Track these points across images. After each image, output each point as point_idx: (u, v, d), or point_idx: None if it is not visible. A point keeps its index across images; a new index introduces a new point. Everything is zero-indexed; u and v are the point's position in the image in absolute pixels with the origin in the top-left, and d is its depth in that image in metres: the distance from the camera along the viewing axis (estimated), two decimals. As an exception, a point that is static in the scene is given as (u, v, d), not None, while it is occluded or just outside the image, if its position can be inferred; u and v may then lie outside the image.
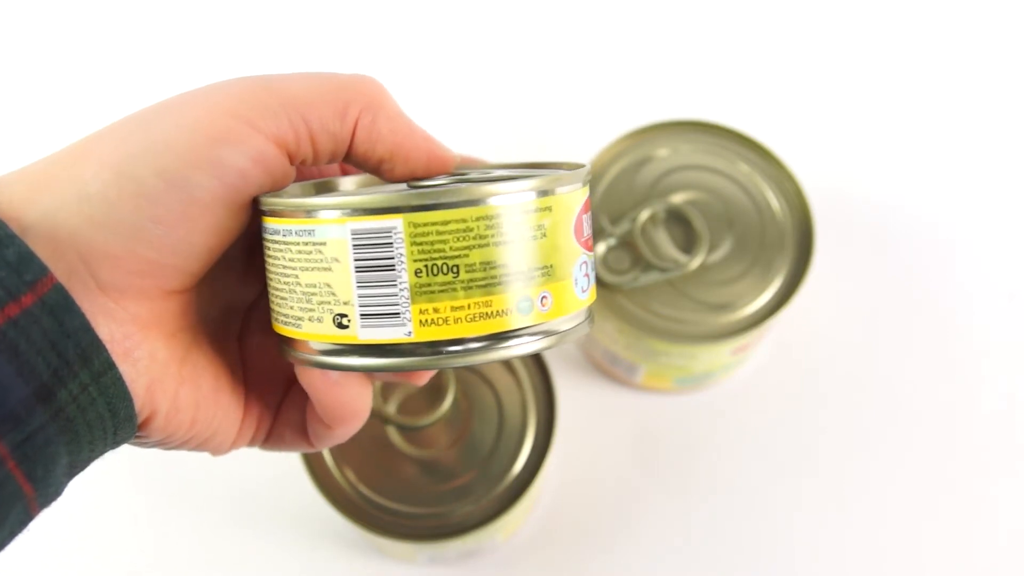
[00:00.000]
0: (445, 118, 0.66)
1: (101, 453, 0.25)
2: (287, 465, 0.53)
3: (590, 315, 0.29)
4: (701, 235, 0.52)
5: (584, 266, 0.27)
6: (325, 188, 0.32)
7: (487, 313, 0.25)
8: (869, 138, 0.65)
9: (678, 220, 0.53)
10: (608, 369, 0.57)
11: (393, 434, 0.48)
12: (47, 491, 0.24)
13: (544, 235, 0.25)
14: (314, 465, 0.47)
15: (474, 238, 0.24)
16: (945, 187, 0.64)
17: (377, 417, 0.47)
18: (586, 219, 0.28)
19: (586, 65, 0.68)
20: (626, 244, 0.52)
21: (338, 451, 0.48)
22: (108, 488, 0.54)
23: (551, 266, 0.26)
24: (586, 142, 0.57)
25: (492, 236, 0.25)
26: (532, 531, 0.54)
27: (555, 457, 0.52)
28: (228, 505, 0.54)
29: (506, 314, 0.25)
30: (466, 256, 0.25)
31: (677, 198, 0.53)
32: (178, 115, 0.25)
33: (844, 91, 0.67)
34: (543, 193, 0.25)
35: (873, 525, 0.54)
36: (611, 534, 0.54)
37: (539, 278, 0.25)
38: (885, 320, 0.59)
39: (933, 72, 0.68)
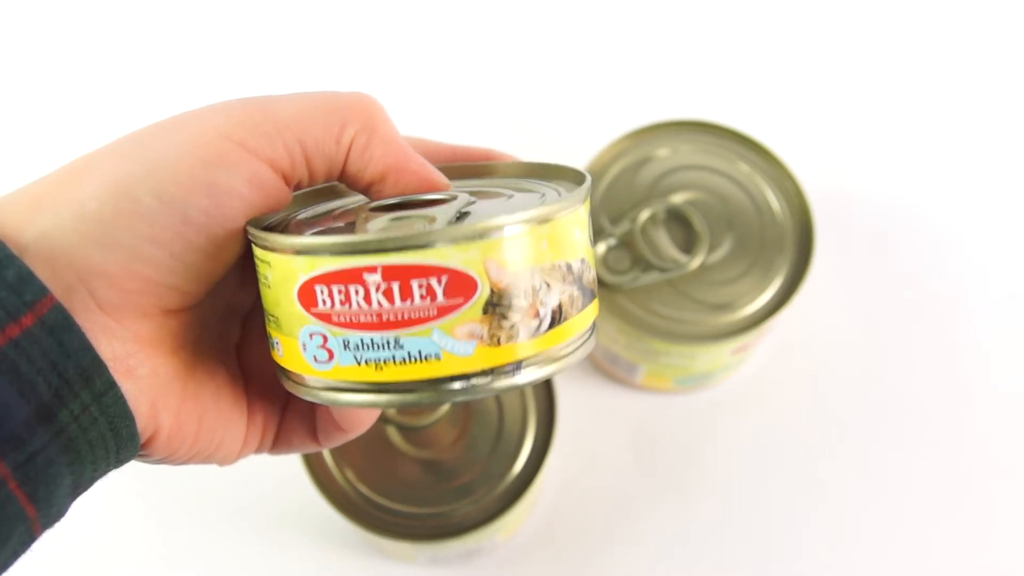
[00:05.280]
0: (445, 118, 0.66)
1: (104, 473, 0.25)
2: (287, 466, 0.53)
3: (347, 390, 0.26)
4: (701, 235, 0.52)
5: (317, 338, 0.25)
6: (324, 195, 0.31)
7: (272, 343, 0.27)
8: (869, 138, 0.65)
9: (678, 220, 0.53)
10: (608, 369, 0.57)
11: (393, 434, 0.48)
12: (50, 512, 0.24)
13: (269, 285, 0.26)
14: (314, 465, 0.47)
15: (262, 275, 0.26)
16: (945, 187, 0.64)
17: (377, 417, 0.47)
18: (324, 290, 0.24)
19: (586, 65, 0.68)
20: (626, 244, 0.52)
21: (338, 451, 0.48)
22: (107, 488, 0.54)
23: (276, 317, 0.26)
24: (586, 142, 0.57)
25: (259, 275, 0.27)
26: (532, 531, 0.54)
27: (555, 457, 0.52)
28: (228, 505, 0.54)
29: (274, 348, 0.27)
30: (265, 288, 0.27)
31: (677, 198, 0.53)
32: (175, 136, 0.25)
33: (844, 91, 0.67)
34: (265, 247, 0.25)
35: (873, 524, 0.54)
36: (611, 534, 0.54)
37: (271, 323, 0.26)
38: (885, 320, 0.59)
39: (933, 72, 0.68)
